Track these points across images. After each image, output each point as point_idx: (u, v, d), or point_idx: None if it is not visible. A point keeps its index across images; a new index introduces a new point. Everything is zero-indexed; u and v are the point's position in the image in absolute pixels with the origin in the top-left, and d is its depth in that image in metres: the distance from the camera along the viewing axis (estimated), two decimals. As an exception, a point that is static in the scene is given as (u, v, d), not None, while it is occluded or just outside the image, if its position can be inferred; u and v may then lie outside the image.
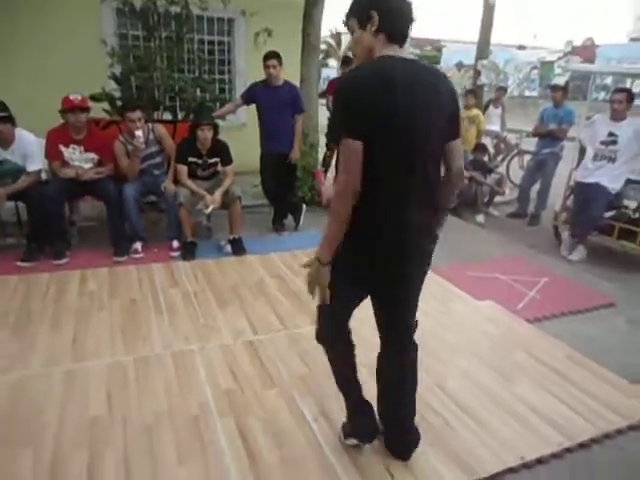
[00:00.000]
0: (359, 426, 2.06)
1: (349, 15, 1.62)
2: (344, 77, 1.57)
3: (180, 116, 5.20)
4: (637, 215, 4.59)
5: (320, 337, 1.92)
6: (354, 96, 1.49)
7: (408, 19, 1.59)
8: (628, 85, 14.18)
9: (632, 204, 4.75)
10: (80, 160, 3.93)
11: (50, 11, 5.51)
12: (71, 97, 3.75)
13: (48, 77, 5.41)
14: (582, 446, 2.20)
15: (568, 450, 2.17)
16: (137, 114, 3.90)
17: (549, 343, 3.03)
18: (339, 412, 2.28)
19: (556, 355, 2.89)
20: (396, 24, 1.56)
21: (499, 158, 7.78)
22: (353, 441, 2.06)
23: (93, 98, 4.38)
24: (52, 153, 3.90)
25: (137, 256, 4.02)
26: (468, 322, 3.29)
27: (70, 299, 3.29)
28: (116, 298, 3.33)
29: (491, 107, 7.78)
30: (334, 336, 1.91)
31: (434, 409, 2.35)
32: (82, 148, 3.92)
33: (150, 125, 4.19)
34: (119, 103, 4.76)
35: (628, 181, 4.49)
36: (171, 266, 3.91)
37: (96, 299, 3.31)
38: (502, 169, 7.21)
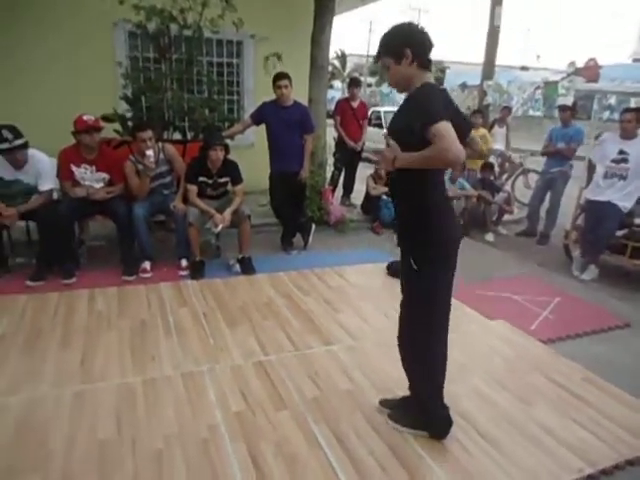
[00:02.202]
0: (445, 419, 2.25)
1: (382, 54, 1.95)
2: (428, 88, 1.91)
3: (189, 136, 5.24)
4: (649, 234, 4.54)
5: (435, 327, 2.12)
6: (439, 98, 1.87)
7: (431, 47, 1.92)
8: (632, 105, 14.24)
9: (644, 223, 4.70)
10: (91, 180, 3.95)
11: (63, 32, 5.61)
12: (84, 118, 3.79)
13: (61, 97, 5.50)
14: (604, 473, 2.13)
15: (590, 477, 2.10)
16: (148, 134, 3.93)
17: (565, 365, 2.97)
18: (354, 438, 2.23)
19: (573, 377, 2.83)
20: (425, 54, 1.91)
21: (504, 177, 7.77)
22: (424, 433, 2.26)
23: (105, 118, 4.43)
24: (64, 173, 3.92)
25: (146, 275, 4.01)
26: (480, 341, 3.23)
27: (79, 319, 3.27)
28: (125, 318, 3.31)
29: (496, 126, 7.80)
30: (446, 325, 2.14)
31: (450, 432, 2.28)
32: (94, 168, 3.95)
33: (160, 145, 4.22)
34: (130, 123, 4.81)
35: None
36: (180, 285, 3.89)
37: (105, 319, 3.29)
38: (507, 188, 7.19)
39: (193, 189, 4.04)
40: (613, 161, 4.41)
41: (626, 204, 4.36)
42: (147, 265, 4.06)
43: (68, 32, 5.62)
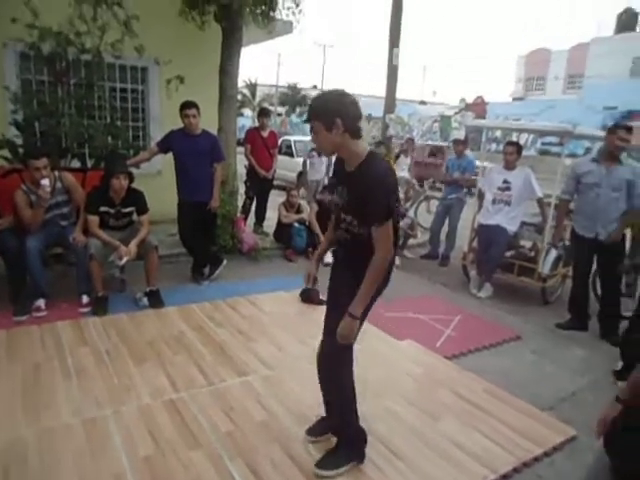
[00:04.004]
0: (363, 446, 2.28)
1: (313, 118, 1.94)
2: (384, 169, 1.95)
3: (90, 164, 4.96)
4: (532, 254, 5.07)
5: (342, 358, 2.16)
6: (394, 189, 1.97)
7: (360, 117, 1.96)
8: (514, 138, 15.97)
9: (528, 244, 5.25)
10: (-26, 211, 3.58)
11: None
12: (-36, 144, 3.45)
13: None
14: (504, 477, 2.30)
15: (493, 483, 2.25)
16: (43, 162, 3.65)
17: (468, 378, 3.18)
18: (271, 470, 2.19)
19: (475, 390, 3.03)
20: (356, 125, 1.94)
21: (408, 204, 8.28)
22: (354, 463, 2.24)
23: (-9, 145, 4.07)
24: (-61, 204, 3.52)
25: (40, 314, 3.66)
26: (390, 362, 3.36)
27: (-43, 368, 2.89)
28: (15, 363, 2.98)
29: (402, 156, 8.35)
30: (351, 357, 2.19)
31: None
32: (-23, 198, 3.58)
33: (57, 173, 3.94)
34: (21, 150, 4.44)
35: (523, 223, 4.97)
36: (80, 323, 3.60)
37: (-10, 365, 2.94)
38: (411, 214, 7.66)
39: (94, 220, 3.81)
40: (499, 189, 4.89)
41: (512, 227, 4.84)
42: (41, 303, 3.72)
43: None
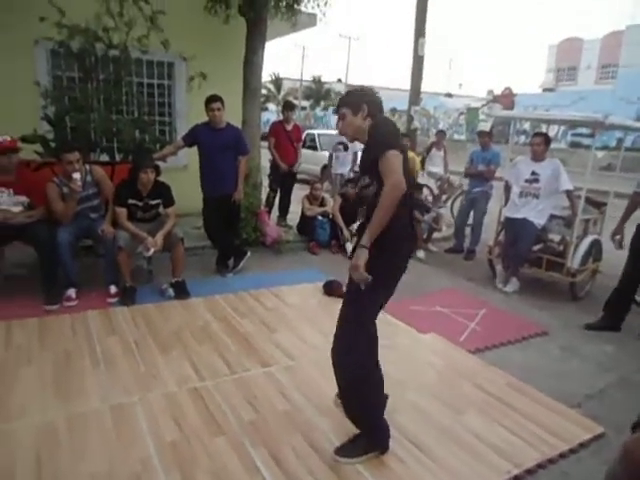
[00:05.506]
0: (385, 438, 2.29)
1: (342, 106, 2.22)
2: (382, 122, 2.15)
3: (118, 158, 5.08)
4: (561, 248, 4.94)
5: (365, 364, 2.19)
6: (393, 130, 2.13)
7: (382, 107, 2.25)
8: (544, 130, 15.58)
9: (556, 237, 5.12)
10: (9, 203, 3.70)
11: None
12: (-1, 139, 3.58)
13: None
14: (529, 472, 2.27)
15: (516, 478, 2.22)
16: (75, 155, 3.76)
17: (491, 372, 3.14)
18: (293, 459, 2.21)
19: (498, 384, 2.99)
20: (377, 111, 2.20)
21: (443, 198, 8.16)
22: (375, 453, 2.25)
23: (24, 140, 4.20)
24: (-24, 197, 3.66)
25: (71, 304, 3.78)
26: (413, 355, 3.34)
27: (-6, 353, 3.02)
28: (47, 350, 3.09)
29: (434, 150, 8.19)
30: (376, 358, 2.25)
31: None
32: (11, 191, 3.71)
33: (87, 167, 4.05)
34: (52, 144, 4.58)
35: (552, 216, 4.84)
36: (109, 313, 3.70)
37: (24, 352, 3.05)
38: (446, 209, 7.53)
39: (122, 212, 3.90)
40: (526, 181, 4.78)
41: (540, 221, 4.72)
42: (72, 293, 3.84)
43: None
